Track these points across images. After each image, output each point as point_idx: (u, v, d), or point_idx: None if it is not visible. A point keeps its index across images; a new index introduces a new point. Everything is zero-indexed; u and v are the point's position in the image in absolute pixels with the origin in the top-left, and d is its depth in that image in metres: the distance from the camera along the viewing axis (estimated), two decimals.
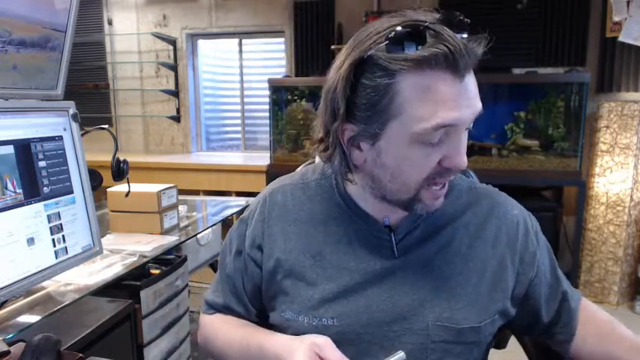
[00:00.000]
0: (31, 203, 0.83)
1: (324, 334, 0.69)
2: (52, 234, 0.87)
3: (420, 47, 0.57)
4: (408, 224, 0.74)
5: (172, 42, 4.07)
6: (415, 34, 0.57)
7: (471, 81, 0.60)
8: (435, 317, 0.70)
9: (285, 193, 0.81)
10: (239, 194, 3.40)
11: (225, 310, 0.86)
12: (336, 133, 0.66)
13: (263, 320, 0.83)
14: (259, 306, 0.83)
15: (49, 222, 0.86)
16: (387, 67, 0.58)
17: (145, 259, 1.53)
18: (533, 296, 0.77)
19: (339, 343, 0.68)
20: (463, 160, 0.61)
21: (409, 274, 0.72)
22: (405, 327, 0.71)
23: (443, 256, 0.73)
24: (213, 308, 0.88)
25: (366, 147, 0.66)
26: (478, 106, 0.61)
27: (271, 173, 3.35)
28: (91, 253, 0.96)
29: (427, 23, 0.57)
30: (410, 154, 0.62)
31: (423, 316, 0.71)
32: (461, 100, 0.58)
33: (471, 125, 0.63)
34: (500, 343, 1.01)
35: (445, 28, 0.57)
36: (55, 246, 0.87)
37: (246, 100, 4.16)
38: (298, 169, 0.90)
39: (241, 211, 1.00)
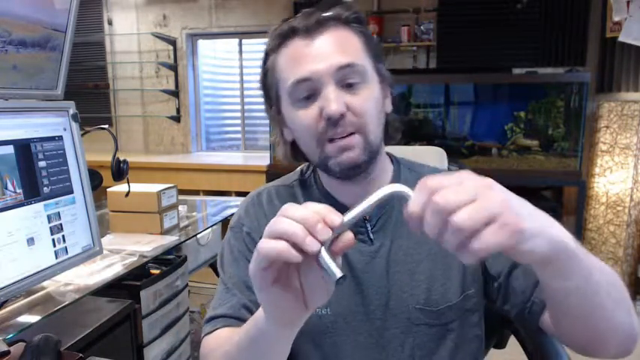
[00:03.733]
0: (31, 203, 0.83)
1: (319, 325, 0.73)
2: (52, 234, 0.87)
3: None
4: (377, 211, 0.77)
5: (172, 42, 4.07)
6: (284, 22, 0.73)
7: (326, 41, 0.70)
8: (415, 301, 0.73)
9: (269, 193, 0.84)
10: (239, 194, 3.40)
11: (241, 310, 0.75)
12: (272, 118, 0.79)
13: None
14: None
15: (49, 222, 0.86)
16: (268, 51, 0.75)
17: (145, 259, 1.53)
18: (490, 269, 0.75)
19: (332, 333, 0.73)
20: (331, 107, 0.67)
21: (386, 260, 0.75)
22: (388, 313, 0.74)
23: (415, 240, 0.76)
24: (218, 318, 0.76)
25: (285, 120, 0.76)
26: (335, 60, 0.68)
27: (271, 173, 3.35)
28: (91, 253, 0.96)
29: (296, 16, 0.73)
30: (295, 114, 0.72)
31: (403, 300, 0.73)
32: (311, 56, 0.69)
33: (354, 79, 0.69)
34: (500, 343, 1.01)
35: (307, 11, 0.72)
36: (55, 246, 0.87)
37: (246, 100, 4.16)
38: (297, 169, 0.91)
39: None
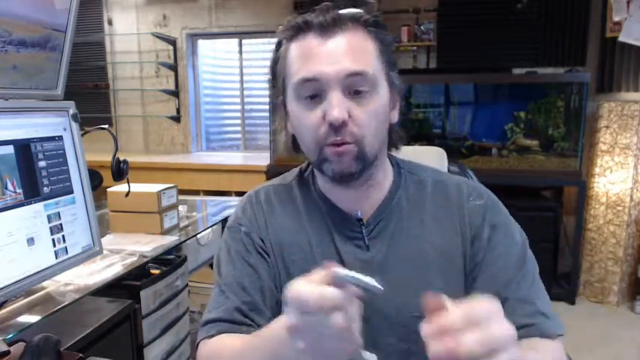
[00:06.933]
0: (31, 203, 0.83)
1: None
2: (52, 234, 0.87)
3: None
4: (375, 216, 0.76)
5: (172, 42, 4.07)
6: (300, 15, 0.71)
7: (339, 43, 0.68)
8: (412, 309, 0.70)
9: (267, 192, 0.84)
10: (239, 194, 3.40)
11: (234, 313, 0.75)
12: (278, 107, 0.79)
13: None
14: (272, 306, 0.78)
15: (49, 222, 0.86)
16: (280, 39, 0.74)
17: (145, 259, 1.53)
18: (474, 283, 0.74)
19: None
20: (333, 114, 0.66)
21: (381, 267, 0.74)
22: (384, 321, 0.72)
23: (416, 247, 0.75)
24: (213, 322, 0.75)
25: (289, 113, 0.76)
26: (345, 65, 0.67)
27: (271, 173, 3.35)
28: (91, 253, 0.96)
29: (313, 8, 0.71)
30: (298, 111, 0.71)
31: (398, 308, 0.72)
32: (322, 57, 0.67)
33: (362, 88, 0.68)
34: None
35: (325, 6, 0.70)
36: (55, 246, 0.87)
37: (246, 100, 4.16)
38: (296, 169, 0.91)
39: None
